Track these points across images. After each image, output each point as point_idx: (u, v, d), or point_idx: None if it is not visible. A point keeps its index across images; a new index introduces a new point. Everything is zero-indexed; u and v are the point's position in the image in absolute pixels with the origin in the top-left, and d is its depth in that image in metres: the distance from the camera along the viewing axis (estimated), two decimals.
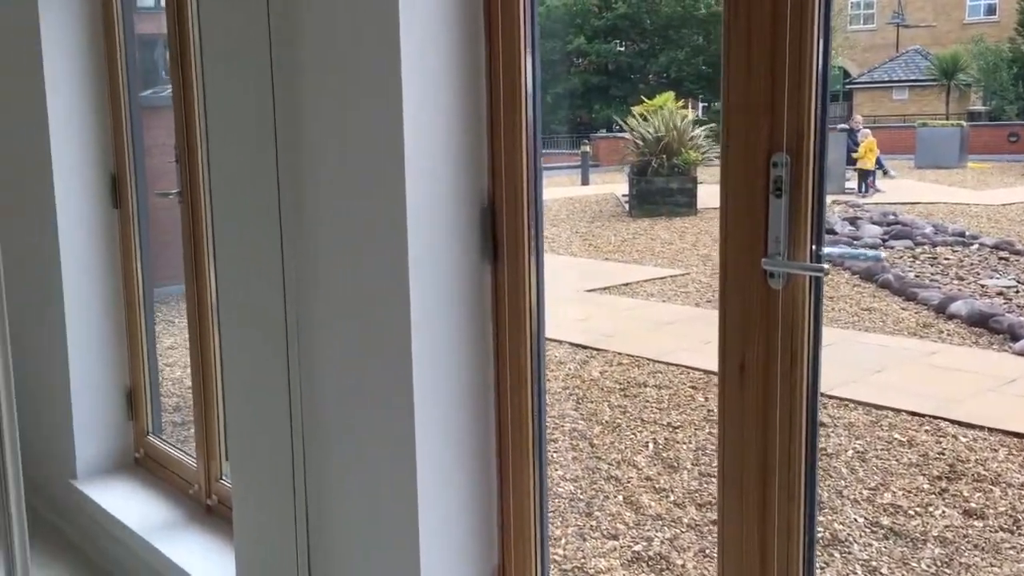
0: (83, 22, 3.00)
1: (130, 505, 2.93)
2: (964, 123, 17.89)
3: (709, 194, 11.77)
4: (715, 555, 3.00)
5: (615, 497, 3.44)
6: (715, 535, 3.14)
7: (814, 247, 1.37)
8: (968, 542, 3.01)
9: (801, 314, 1.38)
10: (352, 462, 1.91)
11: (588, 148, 16.68)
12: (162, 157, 3.80)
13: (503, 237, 1.79)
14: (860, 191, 12.70)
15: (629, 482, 3.57)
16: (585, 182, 15.53)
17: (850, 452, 3.74)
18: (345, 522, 1.96)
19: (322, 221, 1.88)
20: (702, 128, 10.98)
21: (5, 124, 3.30)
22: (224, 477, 2.79)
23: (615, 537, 3.14)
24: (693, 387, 4.68)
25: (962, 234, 8.72)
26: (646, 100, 12.07)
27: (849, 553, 2.96)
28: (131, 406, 3.21)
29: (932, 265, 7.56)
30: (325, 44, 1.81)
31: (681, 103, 12.48)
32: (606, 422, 4.24)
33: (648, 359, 5.17)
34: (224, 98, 2.09)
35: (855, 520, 3.18)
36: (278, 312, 2.00)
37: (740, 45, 1.37)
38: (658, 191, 10.57)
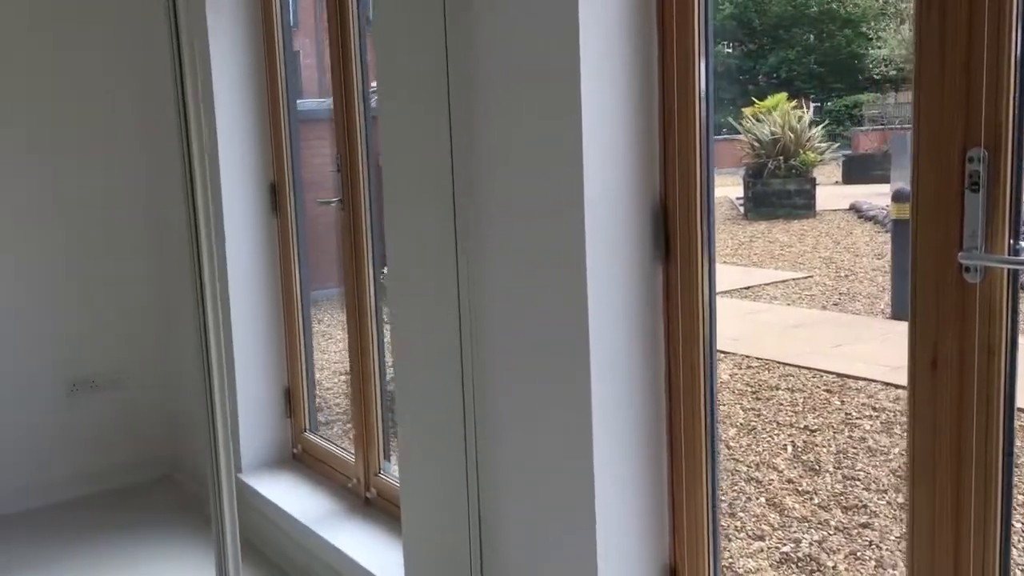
0: (246, 39, 3.19)
1: (292, 496, 3.08)
2: None
3: (826, 196, 11.50)
4: (868, 558, 2.97)
5: (757, 499, 3.43)
6: (865, 538, 3.11)
7: (1012, 240, 1.37)
8: None
9: (999, 308, 1.38)
10: (525, 456, 1.98)
11: None
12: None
13: (675, 237, 1.83)
14: None
15: (770, 484, 3.56)
16: None
17: None
18: (517, 515, 2.03)
19: (497, 222, 1.96)
20: (820, 128, 10.74)
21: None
22: (382, 471, 2.90)
23: (761, 538, 3.13)
24: (828, 391, 4.61)
25: None
26: (756, 102, 11.89)
27: None
28: (289, 405, 3.37)
29: None
30: (502, 50, 1.89)
31: (793, 103, 12.25)
32: (741, 424, 4.22)
33: (777, 362, 5.12)
34: (398, 105, 2.20)
35: None
36: (451, 310, 2.09)
37: (932, 37, 1.38)
38: (775, 193, 10.40)
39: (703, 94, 1.77)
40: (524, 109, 1.86)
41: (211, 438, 1.83)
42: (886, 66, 15.60)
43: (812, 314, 6.36)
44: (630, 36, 1.77)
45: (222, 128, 3.21)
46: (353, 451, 3.01)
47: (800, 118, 10.90)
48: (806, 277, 7.43)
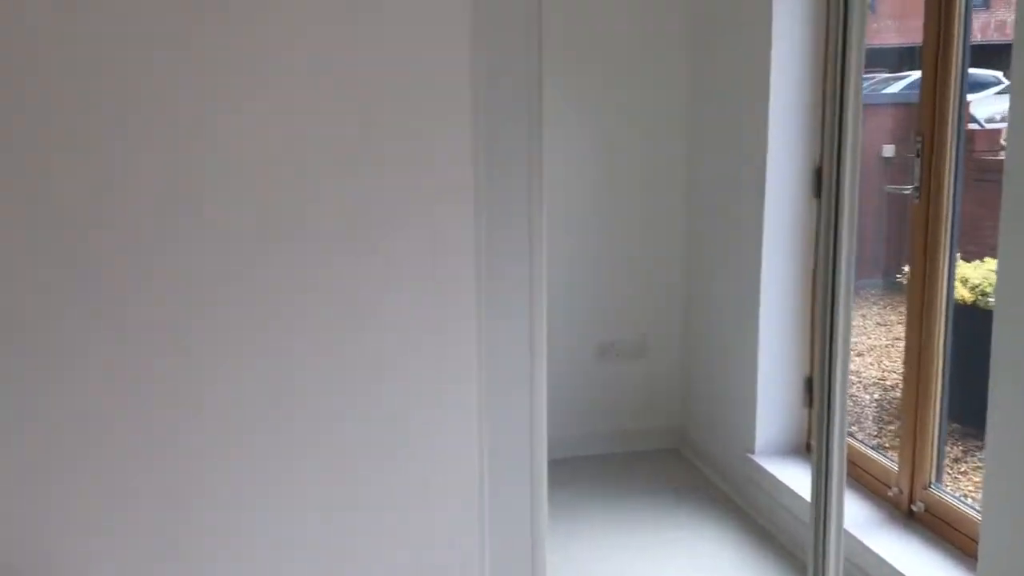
0: (809, 21, 3.12)
1: (807, 485, 2.97)
2: None
3: None
4: None
5: None
6: None
7: None
8: None
9: None
10: None
11: None
12: None
13: None
14: None
15: None
16: None
17: None
18: None
19: None
20: None
21: (726, 122, 3.57)
22: (932, 485, 2.68)
23: None
24: None
25: None
26: None
27: None
28: (810, 395, 3.26)
29: None
30: None
31: None
32: None
33: None
34: None
35: None
36: None
37: None
38: None
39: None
40: None
41: (823, 441, 1.78)
42: None
43: None
44: None
45: (774, 111, 3.18)
46: (896, 458, 2.82)
47: None
48: None
